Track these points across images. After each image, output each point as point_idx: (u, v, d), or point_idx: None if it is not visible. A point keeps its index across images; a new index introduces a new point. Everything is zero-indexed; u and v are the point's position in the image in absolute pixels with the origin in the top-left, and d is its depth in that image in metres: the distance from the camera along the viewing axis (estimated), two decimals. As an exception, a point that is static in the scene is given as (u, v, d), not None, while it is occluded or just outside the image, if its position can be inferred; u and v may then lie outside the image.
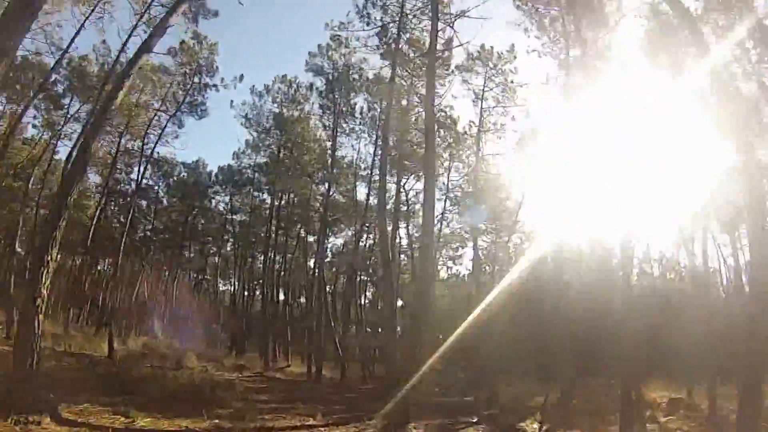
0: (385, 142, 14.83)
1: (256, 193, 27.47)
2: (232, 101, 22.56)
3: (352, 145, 21.34)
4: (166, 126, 19.67)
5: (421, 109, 19.96)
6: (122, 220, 32.78)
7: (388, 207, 27.89)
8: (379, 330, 42.91)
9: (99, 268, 34.77)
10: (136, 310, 23.42)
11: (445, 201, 23.55)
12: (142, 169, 23.02)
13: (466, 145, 20.42)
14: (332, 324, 25.26)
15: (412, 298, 20.45)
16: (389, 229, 22.16)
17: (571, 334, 13.52)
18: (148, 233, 33.09)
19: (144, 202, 31.14)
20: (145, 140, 20.72)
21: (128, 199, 27.67)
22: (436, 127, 19.58)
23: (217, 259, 37.17)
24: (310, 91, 20.25)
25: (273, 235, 25.18)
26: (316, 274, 24.12)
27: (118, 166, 23.70)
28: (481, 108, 18.52)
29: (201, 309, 36.29)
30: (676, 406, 13.06)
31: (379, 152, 21.40)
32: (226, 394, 10.73)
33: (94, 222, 24.04)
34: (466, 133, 20.01)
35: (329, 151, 20.22)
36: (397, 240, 25.78)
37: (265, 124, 21.96)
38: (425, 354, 10.52)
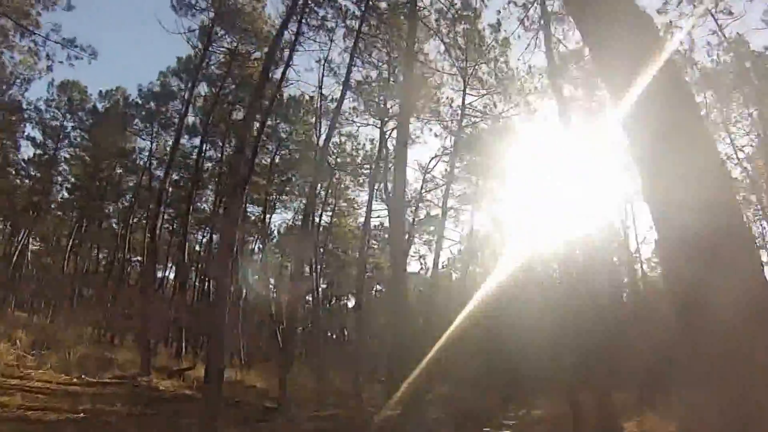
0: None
1: (187, 139, 20.35)
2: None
3: (320, 46, 14.53)
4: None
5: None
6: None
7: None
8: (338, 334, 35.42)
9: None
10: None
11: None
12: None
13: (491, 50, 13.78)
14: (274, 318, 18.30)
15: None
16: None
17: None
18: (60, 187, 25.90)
19: (50, 143, 23.97)
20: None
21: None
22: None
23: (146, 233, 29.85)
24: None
25: (191, 198, 17.95)
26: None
27: None
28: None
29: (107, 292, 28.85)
30: None
31: (355, 67, 14.81)
32: None
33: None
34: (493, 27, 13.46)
35: (286, 51, 13.30)
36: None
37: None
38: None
